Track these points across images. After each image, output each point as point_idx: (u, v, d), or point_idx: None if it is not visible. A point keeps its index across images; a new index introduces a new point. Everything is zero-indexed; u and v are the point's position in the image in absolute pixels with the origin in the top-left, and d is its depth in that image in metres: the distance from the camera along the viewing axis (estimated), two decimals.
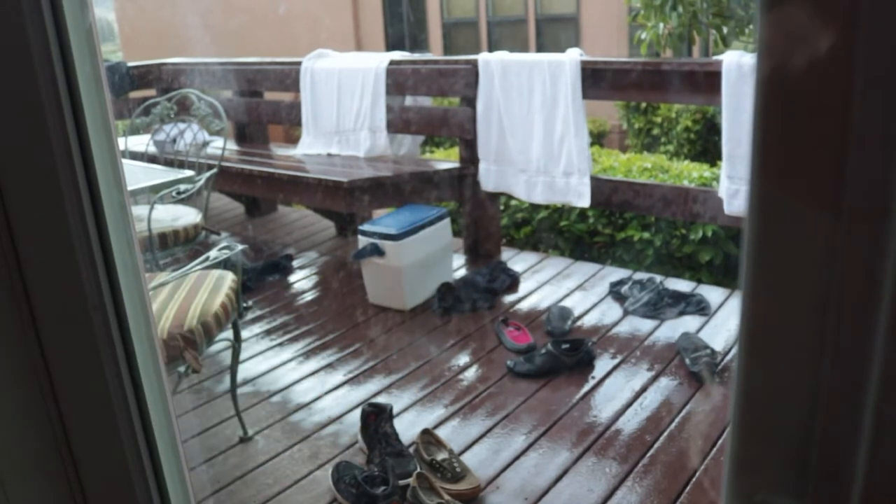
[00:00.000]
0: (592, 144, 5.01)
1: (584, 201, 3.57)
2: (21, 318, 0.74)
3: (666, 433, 2.41)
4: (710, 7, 5.87)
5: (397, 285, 3.39)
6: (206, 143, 3.84)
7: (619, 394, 2.66)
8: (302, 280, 3.99)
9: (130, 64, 5.14)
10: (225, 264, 2.40)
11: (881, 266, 0.38)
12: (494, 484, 2.23)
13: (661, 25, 5.85)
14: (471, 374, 2.90)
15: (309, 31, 10.93)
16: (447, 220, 3.58)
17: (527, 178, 3.67)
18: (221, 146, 3.54)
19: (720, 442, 2.33)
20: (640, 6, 6.02)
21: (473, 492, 2.17)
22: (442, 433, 2.43)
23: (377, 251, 3.35)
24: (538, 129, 3.59)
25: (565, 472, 2.25)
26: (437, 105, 4.89)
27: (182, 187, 3.04)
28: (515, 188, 3.74)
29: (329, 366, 3.00)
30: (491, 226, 4.04)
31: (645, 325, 3.15)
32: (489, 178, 3.81)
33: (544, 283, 3.66)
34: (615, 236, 4.48)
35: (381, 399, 2.69)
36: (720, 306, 3.25)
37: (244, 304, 2.46)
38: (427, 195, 3.93)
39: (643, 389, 2.67)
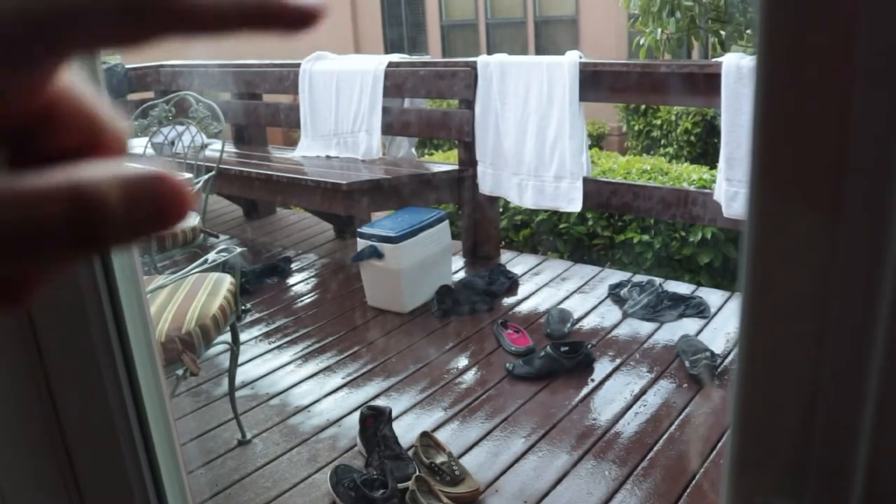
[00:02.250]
0: (592, 147, 5.01)
1: (574, 206, 3.56)
2: (18, 321, 0.74)
3: (665, 436, 2.41)
4: (708, 12, 5.89)
5: (396, 288, 3.39)
6: (204, 146, 3.84)
7: (619, 396, 2.66)
8: (300, 283, 3.99)
9: (128, 66, 5.14)
10: (223, 267, 2.39)
11: (881, 268, 0.38)
12: (494, 487, 2.22)
13: (660, 31, 5.86)
14: (470, 376, 2.89)
15: (307, 33, 10.93)
16: (446, 223, 3.58)
17: (519, 182, 3.66)
18: (220, 148, 3.54)
19: (720, 445, 2.33)
20: (638, 12, 6.03)
21: (473, 495, 2.16)
22: (441, 436, 2.42)
23: (376, 254, 3.35)
24: (532, 132, 3.59)
25: (565, 474, 2.25)
26: (436, 107, 4.89)
27: None
28: (509, 191, 3.74)
29: (328, 368, 2.99)
30: (490, 228, 4.04)
31: (644, 327, 3.15)
32: (486, 180, 3.81)
33: (543, 286, 3.66)
34: (614, 239, 4.48)
35: (379, 402, 2.68)
36: (720, 309, 3.25)
37: (242, 307, 2.45)
38: (426, 197, 3.93)
39: (642, 392, 2.67)
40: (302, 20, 0.20)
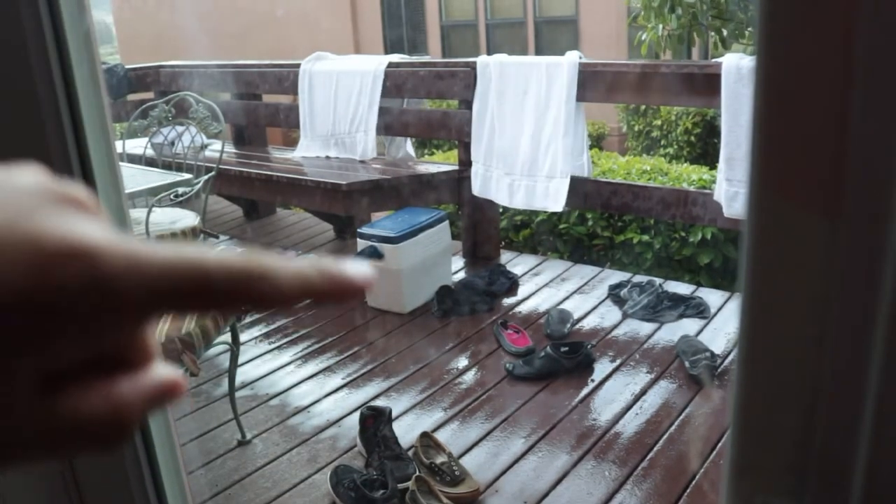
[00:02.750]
0: (591, 147, 5.00)
1: (557, 205, 3.54)
2: None
3: (665, 436, 2.41)
4: (709, 9, 5.88)
5: (396, 288, 3.39)
6: (204, 146, 3.84)
7: (619, 397, 2.65)
8: None
9: (128, 66, 5.14)
10: None
11: (881, 268, 0.38)
12: (493, 487, 2.22)
13: (661, 27, 5.86)
14: (470, 376, 2.89)
15: (307, 33, 10.94)
16: (446, 223, 3.58)
17: (510, 182, 3.65)
18: (219, 149, 3.54)
19: (720, 445, 2.33)
20: (639, 7, 6.03)
21: (473, 495, 2.16)
22: (441, 436, 2.42)
23: (376, 254, 3.35)
24: (528, 132, 3.58)
25: (565, 475, 2.25)
26: (436, 107, 4.89)
27: (180, 190, 3.04)
28: (499, 194, 3.72)
29: (328, 369, 2.99)
30: (490, 228, 4.04)
31: (644, 327, 3.15)
32: (476, 181, 3.80)
33: (543, 286, 3.65)
34: (614, 239, 4.48)
35: (379, 402, 2.68)
36: (719, 309, 3.25)
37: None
38: (426, 198, 3.93)
39: (642, 392, 2.67)
40: (353, 296, 0.26)
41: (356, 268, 0.26)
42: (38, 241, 0.21)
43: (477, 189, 3.80)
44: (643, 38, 6.04)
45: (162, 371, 0.26)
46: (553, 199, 3.53)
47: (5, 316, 0.21)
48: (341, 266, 0.26)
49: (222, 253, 0.24)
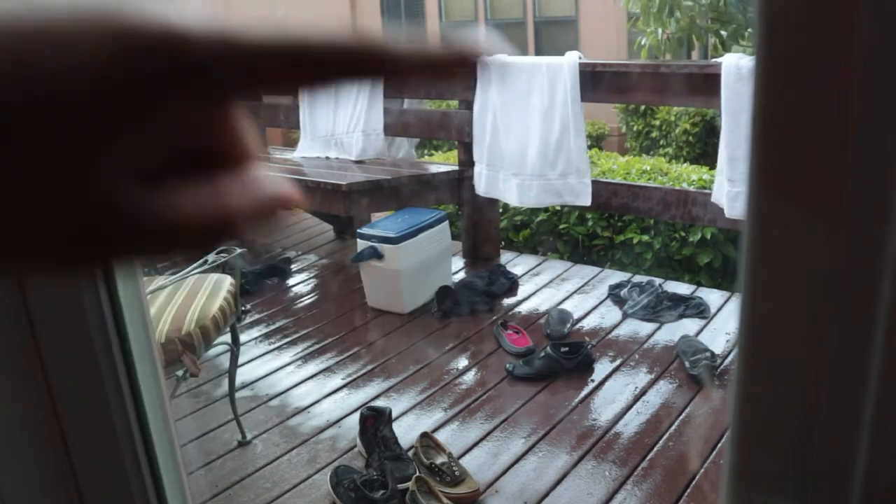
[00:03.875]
0: (591, 147, 5.01)
1: (583, 200, 3.53)
2: (18, 323, 0.74)
3: (665, 436, 2.41)
4: (708, 12, 5.89)
5: (396, 288, 3.39)
6: None
7: (619, 397, 2.65)
8: (300, 283, 3.99)
9: None
10: (223, 268, 2.39)
11: (880, 269, 0.38)
12: (494, 487, 2.22)
13: (660, 31, 5.86)
14: (470, 377, 2.89)
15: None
16: (446, 223, 3.58)
17: (519, 182, 3.64)
18: None
19: (720, 445, 2.33)
20: (638, 11, 6.03)
21: (473, 495, 2.16)
22: (441, 437, 2.42)
23: (376, 254, 3.35)
24: (535, 133, 3.58)
25: (565, 475, 2.25)
26: (435, 108, 4.89)
27: None
28: (507, 193, 3.71)
29: (328, 369, 2.99)
30: (490, 229, 4.04)
31: (644, 327, 3.15)
32: (481, 181, 3.80)
33: (543, 286, 3.65)
34: (614, 239, 4.48)
35: (379, 402, 2.68)
36: (719, 309, 3.25)
37: (242, 308, 2.45)
38: (426, 198, 3.93)
39: (643, 392, 2.67)
40: (470, 64, 0.25)
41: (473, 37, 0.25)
42: (124, 24, 0.20)
43: (482, 189, 3.80)
44: (643, 42, 6.04)
45: (273, 180, 0.25)
46: (573, 193, 3.49)
47: (91, 101, 0.20)
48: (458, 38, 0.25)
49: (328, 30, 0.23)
